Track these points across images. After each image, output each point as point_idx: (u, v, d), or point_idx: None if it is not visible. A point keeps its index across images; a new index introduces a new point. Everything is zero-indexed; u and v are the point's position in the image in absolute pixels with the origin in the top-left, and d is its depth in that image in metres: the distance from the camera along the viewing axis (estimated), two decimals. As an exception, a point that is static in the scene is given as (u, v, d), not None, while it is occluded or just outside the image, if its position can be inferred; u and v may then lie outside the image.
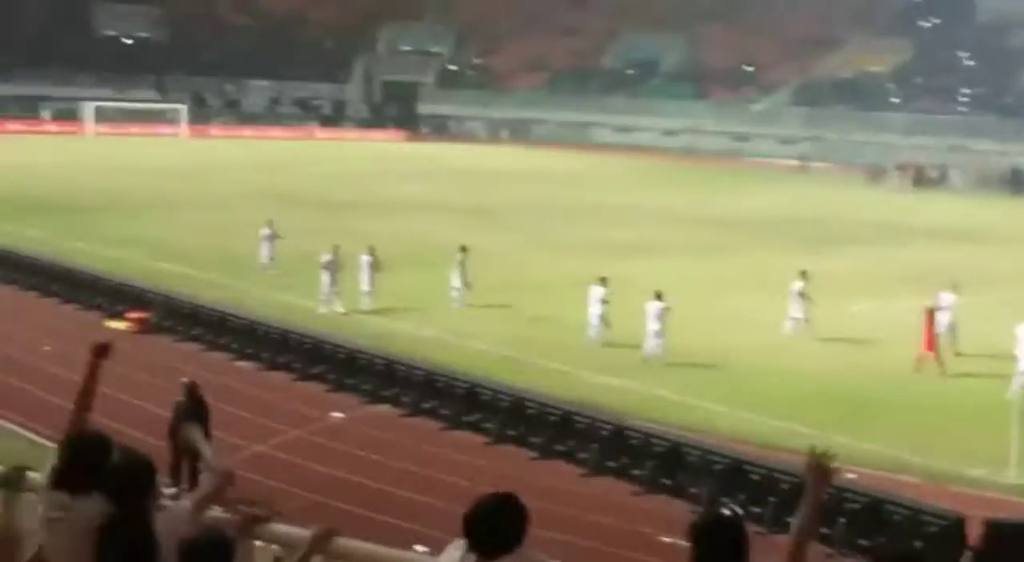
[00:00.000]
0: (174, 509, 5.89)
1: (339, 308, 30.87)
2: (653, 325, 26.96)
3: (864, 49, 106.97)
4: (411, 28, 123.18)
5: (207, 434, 17.57)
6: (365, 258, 31.79)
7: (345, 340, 25.67)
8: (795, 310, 29.83)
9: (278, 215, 45.84)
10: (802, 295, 29.75)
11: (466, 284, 31.99)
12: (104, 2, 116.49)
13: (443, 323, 29.67)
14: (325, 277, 31.41)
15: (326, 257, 31.56)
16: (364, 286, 31.59)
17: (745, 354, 27.53)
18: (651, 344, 26.87)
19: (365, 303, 31.39)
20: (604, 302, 28.17)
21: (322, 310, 30.72)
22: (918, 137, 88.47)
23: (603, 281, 28.61)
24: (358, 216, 49.29)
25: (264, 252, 36.48)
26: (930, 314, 27.12)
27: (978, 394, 24.77)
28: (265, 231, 36.74)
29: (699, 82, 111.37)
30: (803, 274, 30.28)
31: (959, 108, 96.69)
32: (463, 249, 32.78)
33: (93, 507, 5.62)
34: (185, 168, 69.23)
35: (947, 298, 28.72)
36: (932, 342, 26.69)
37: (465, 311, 31.20)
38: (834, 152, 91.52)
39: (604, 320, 28.07)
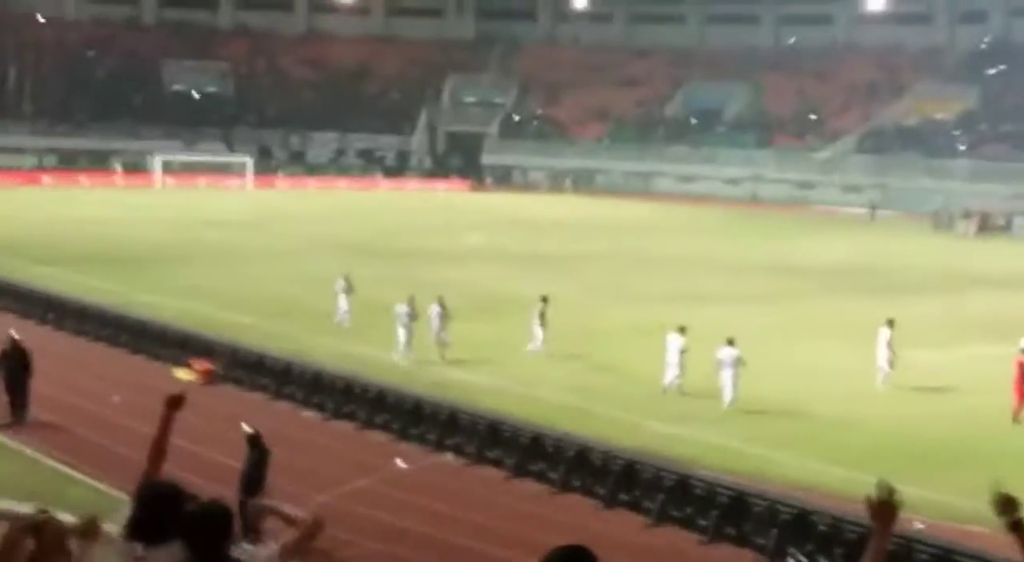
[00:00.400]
0: (259, 555, 5.93)
1: (412, 358, 30.80)
2: (726, 372, 26.92)
3: (929, 96, 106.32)
4: (475, 80, 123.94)
5: (263, 477, 17.74)
6: (435, 309, 31.84)
7: (409, 389, 25.76)
8: (883, 359, 29.60)
9: (342, 265, 46.16)
10: (889, 344, 29.50)
11: (545, 333, 32.06)
12: (172, 58, 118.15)
13: (509, 372, 29.67)
14: (401, 328, 31.30)
15: (402, 308, 31.62)
16: (435, 336, 31.58)
17: (819, 404, 27.40)
18: (725, 391, 26.86)
19: (436, 353, 31.40)
20: (682, 351, 28.20)
21: (400, 361, 30.68)
22: (983, 184, 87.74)
23: (682, 330, 28.60)
24: (422, 265, 49.51)
25: (342, 306, 36.22)
26: (1022, 364, 26.72)
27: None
28: (340, 284, 36.57)
29: (762, 130, 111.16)
30: (890, 323, 29.98)
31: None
32: (544, 299, 32.77)
33: (169, 557, 5.68)
34: (250, 219, 69.86)
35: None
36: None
37: (533, 360, 31.15)
38: (899, 200, 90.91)
39: (682, 369, 28.10)
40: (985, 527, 18.98)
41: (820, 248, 63.40)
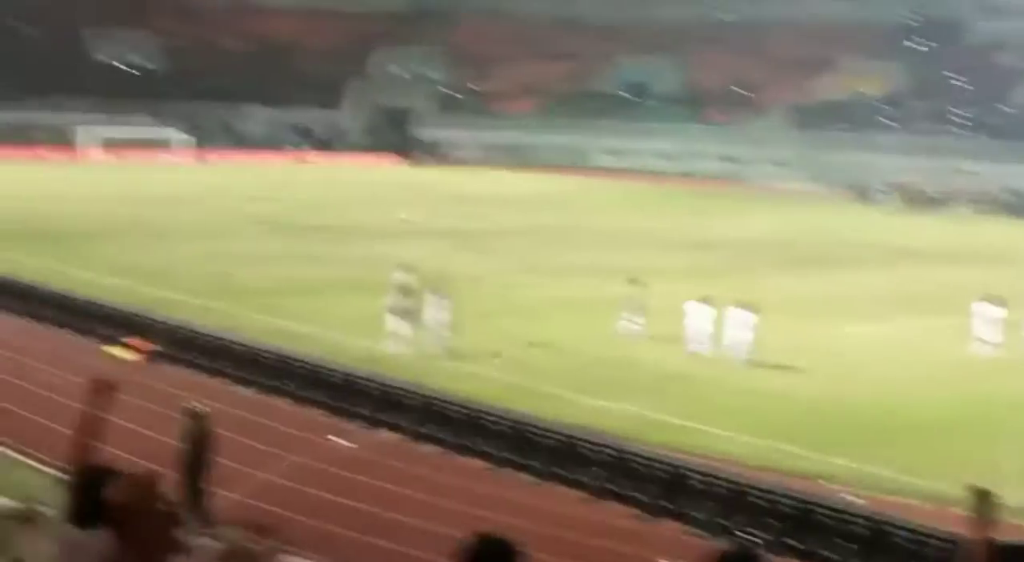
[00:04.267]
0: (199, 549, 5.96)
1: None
2: (746, 335, 28.78)
3: (857, 71, 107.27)
4: (407, 53, 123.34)
5: (208, 463, 17.73)
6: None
7: (340, 364, 25.79)
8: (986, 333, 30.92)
9: (271, 241, 46.21)
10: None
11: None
12: (99, 28, 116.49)
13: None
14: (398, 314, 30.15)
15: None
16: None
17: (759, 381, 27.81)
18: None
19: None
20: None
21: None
22: (912, 158, 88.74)
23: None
24: (353, 242, 49.45)
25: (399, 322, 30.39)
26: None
27: None
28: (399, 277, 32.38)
29: (693, 105, 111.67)
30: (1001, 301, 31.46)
31: (952, 129, 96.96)
32: (633, 281, 32.48)
33: (103, 541, 5.69)
34: (181, 194, 69.30)
35: None
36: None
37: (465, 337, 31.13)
38: (827, 174, 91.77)
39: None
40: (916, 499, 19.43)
41: (748, 223, 63.96)
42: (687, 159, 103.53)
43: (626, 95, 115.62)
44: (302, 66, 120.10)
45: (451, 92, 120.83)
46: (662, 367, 28.72)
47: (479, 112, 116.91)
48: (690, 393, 26.48)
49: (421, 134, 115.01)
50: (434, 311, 30.03)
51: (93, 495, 5.88)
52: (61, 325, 31.67)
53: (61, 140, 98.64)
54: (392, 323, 29.73)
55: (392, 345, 29.37)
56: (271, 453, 21.12)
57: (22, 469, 19.50)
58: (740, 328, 29.21)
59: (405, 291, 30.69)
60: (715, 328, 29.75)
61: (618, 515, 19.30)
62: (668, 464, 19.71)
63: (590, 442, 20.72)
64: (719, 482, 18.87)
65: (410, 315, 29.88)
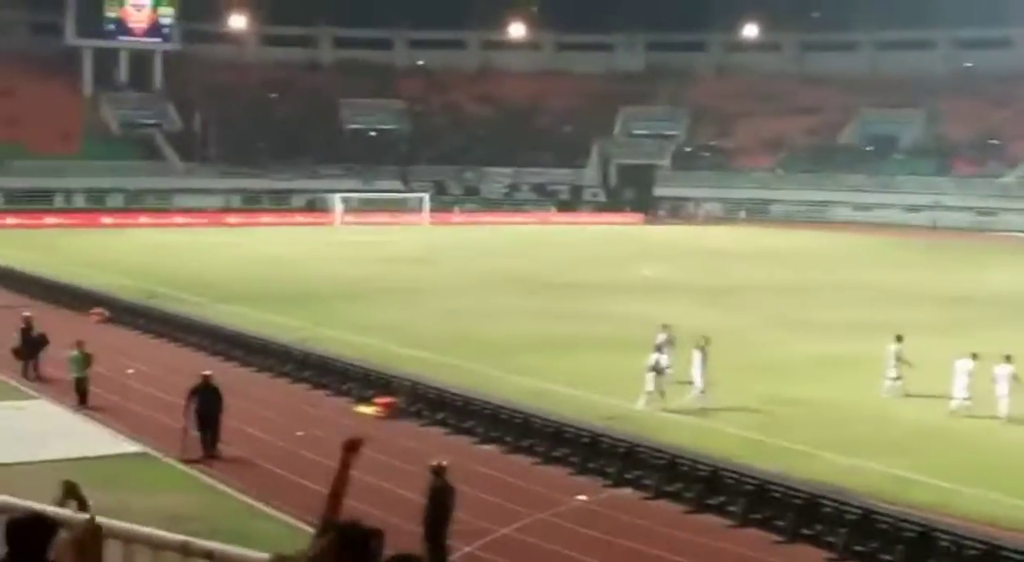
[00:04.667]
0: None
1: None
2: (1002, 388, 28.07)
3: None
4: (646, 112, 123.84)
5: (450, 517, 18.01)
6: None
7: (586, 423, 25.84)
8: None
9: (517, 299, 46.73)
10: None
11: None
12: (350, 97, 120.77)
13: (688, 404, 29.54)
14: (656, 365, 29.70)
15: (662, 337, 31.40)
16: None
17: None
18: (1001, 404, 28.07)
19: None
20: (969, 374, 28.74)
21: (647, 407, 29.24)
22: None
23: (974, 356, 29.10)
24: (596, 298, 49.66)
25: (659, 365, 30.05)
26: None
27: None
28: (661, 337, 32.25)
29: (941, 157, 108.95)
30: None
31: None
32: (899, 338, 31.77)
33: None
34: (427, 255, 70.78)
35: None
36: None
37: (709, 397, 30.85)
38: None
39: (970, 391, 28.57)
40: None
41: (1004, 277, 61.82)
42: (935, 211, 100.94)
43: (871, 148, 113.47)
44: (543, 127, 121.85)
45: (691, 149, 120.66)
46: (918, 423, 28.02)
47: (720, 168, 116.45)
48: (947, 451, 25.72)
49: (662, 191, 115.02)
50: (695, 369, 29.87)
51: (343, 549, 6.05)
52: (312, 383, 32.61)
53: (315, 205, 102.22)
54: (650, 380, 29.61)
55: (647, 402, 29.31)
56: (512, 509, 21.27)
57: (270, 521, 20.11)
58: (1003, 383, 28.30)
59: (664, 348, 30.58)
60: (975, 382, 28.80)
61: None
62: (917, 524, 19.12)
63: (836, 500, 20.27)
64: (970, 543, 18.21)
65: (667, 372, 29.77)
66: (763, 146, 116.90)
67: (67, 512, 7.14)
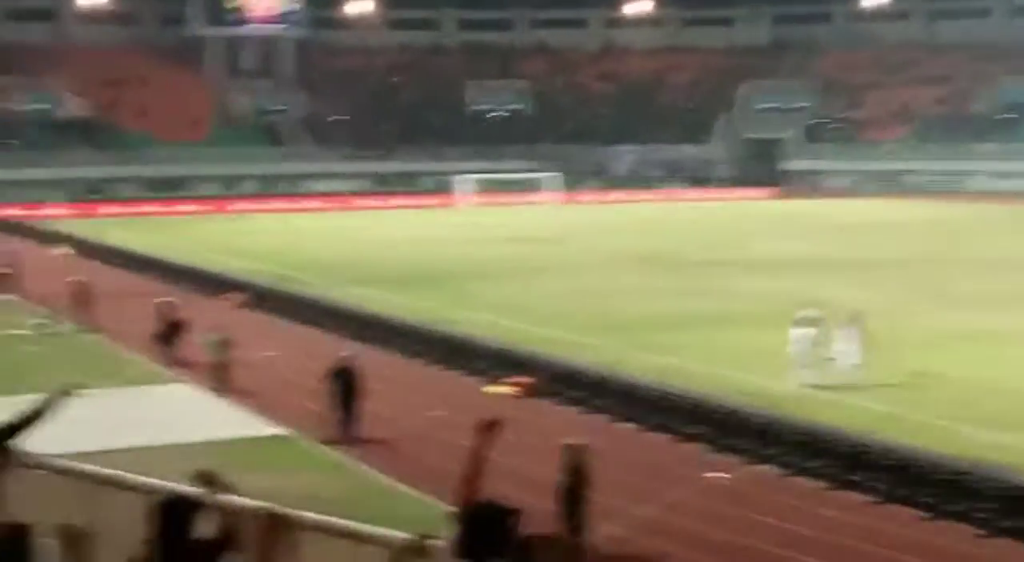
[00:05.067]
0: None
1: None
2: None
3: None
4: (772, 85, 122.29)
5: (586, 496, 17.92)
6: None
7: (724, 399, 25.55)
8: None
9: (650, 277, 46.47)
10: None
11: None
12: (474, 79, 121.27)
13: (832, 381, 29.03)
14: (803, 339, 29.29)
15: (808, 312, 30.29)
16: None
17: None
18: None
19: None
20: None
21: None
22: None
23: None
24: (732, 275, 49.17)
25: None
26: None
27: None
28: (808, 313, 30.57)
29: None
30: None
31: None
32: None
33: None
34: (554, 234, 70.73)
35: None
36: None
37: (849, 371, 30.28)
38: None
39: None
40: None
41: None
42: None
43: (1007, 116, 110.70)
44: (666, 103, 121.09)
45: (820, 122, 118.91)
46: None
47: (849, 140, 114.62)
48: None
49: (790, 165, 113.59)
50: (843, 344, 29.36)
51: (486, 530, 5.99)
52: (446, 363, 32.71)
53: (441, 187, 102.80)
54: (798, 356, 29.13)
55: (795, 378, 28.88)
56: (649, 488, 21.11)
57: (412, 502, 20.19)
58: None
59: (812, 324, 29.98)
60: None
61: (1014, 551, 18.34)
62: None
63: (981, 476, 19.79)
64: None
65: (817, 348, 29.27)
66: (893, 117, 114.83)
67: (211, 493, 7.18)
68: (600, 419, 26.45)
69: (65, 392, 8.55)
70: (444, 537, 6.37)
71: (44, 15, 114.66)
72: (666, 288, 46.34)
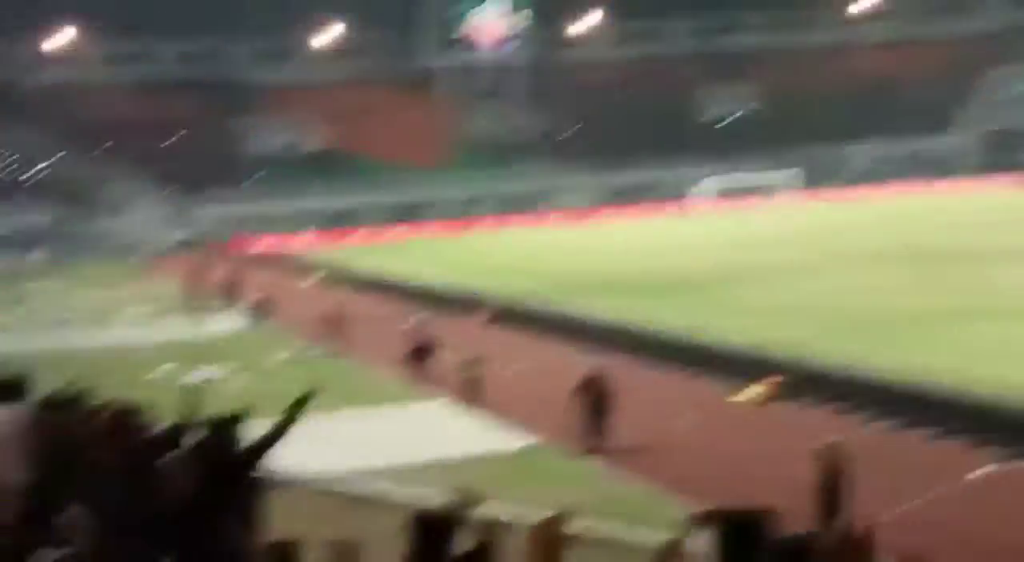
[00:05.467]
0: None
1: None
2: None
3: None
4: (1015, 73, 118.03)
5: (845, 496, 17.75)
6: None
7: (983, 395, 24.92)
8: None
9: (893, 274, 45.41)
10: None
11: None
12: (705, 86, 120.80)
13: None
14: None
15: None
16: None
17: None
18: None
19: None
20: None
21: None
22: None
23: None
24: (987, 268, 47.69)
25: None
26: None
27: None
28: None
29: None
30: None
31: None
32: None
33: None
34: (793, 238, 69.70)
35: None
36: None
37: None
38: None
39: None
40: None
41: None
42: None
43: None
44: (903, 97, 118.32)
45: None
46: None
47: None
48: None
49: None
50: None
51: (738, 533, 6.11)
52: (694, 371, 32.66)
53: (674, 195, 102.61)
54: None
55: None
56: (910, 485, 20.74)
57: (671, 508, 20.27)
58: None
59: None
60: None
61: None
62: None
63: None
64: None
65: None
66: None
67: (467, 508, 7.42)
68: (854, 419, 26.08)
69: (301, 402, 9.04)
70: (699, 541, 6.52)
71: (282, 56, 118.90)
72: (910, 284, 45.26)
